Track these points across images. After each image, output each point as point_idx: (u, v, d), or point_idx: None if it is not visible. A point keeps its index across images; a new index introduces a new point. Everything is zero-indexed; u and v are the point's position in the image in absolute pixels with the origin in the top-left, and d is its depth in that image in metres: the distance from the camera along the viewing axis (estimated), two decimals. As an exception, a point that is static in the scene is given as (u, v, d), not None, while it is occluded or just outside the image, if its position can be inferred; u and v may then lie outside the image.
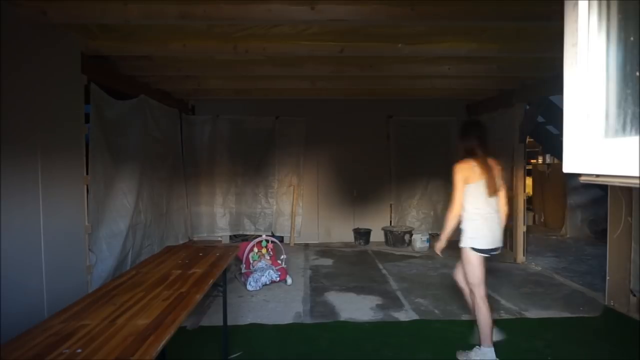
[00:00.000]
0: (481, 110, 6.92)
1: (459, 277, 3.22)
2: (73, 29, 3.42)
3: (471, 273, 2.98)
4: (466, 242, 2.94)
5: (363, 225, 7.34)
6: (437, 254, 3.11)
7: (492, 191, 2.93)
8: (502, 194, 3.03)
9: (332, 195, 7.39)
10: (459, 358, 3.13)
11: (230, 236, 7.30)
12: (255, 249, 5.02)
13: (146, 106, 5.18)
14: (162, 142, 5.69)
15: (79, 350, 1.48)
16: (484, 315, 2.95)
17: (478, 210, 2.92)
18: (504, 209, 3.06)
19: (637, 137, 0.77)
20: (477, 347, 3.05)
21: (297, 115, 7.17)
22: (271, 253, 5.12)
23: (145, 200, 5.10)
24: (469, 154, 2.97)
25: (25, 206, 2.90)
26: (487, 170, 2.93)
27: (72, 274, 3.47)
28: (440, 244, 3.06)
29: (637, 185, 0.80)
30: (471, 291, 3.04)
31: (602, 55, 0.87)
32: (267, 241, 5.12)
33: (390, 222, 7.42)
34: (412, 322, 3.81)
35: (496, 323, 3.17)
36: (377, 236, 7.26)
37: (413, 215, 7.43)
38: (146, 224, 5.09)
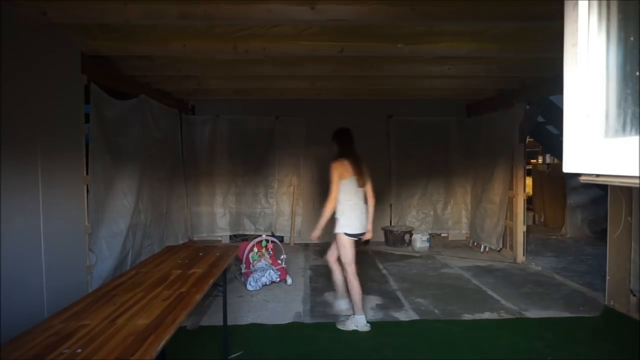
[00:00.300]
0: (481, 110, 6.92)
1: (331, 259, 3.74)
2: (73, 29, 3.41)
3: (344, 254, 3.55)
4: (340, 229, 3.52)
5: (363, 225, 7.33)
6: (314, 239, 3.59)
7: (361, 185, 3.53)
8: (368, 188, 3.61)
9: (332, 195, 7.38)
10: (339, 327, 3.64)
11: (230, 236, 7.30)
12: (255, 249, 5.02)
13: (146, 106, 5.18)
14: (162, 142, 5.69)
15: (79, 350, 1.48)
16: (355, 288, 3.56)
17: (350, 202, 3.51)
18: (371, 200, 3.62)
19: (637, 137, 0.77)
20: (352, 315, 3.63)
21: (297, 115, 7.17)
22: (271, 253, 5.12)
23: (145, 200, 5.10)
24: (341, 155, 3.54)
25: (26, 207, 2.90)
26: (358, 167, 3.51)
27: (72, 273, 3.47)
28: (317, 232, 3.53)
29: (637, 185, 0.80)
30: (344, 269, 3.61)
31: (602, 55, 0.87)
32: (267, 241, 5.12)
33: (390, 222, 7.41)
34: (412, 322, 3.81)
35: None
36: (377, 236, 7.22)
37: (413, 215, 7.43)
38: (146, 223, 5.09)
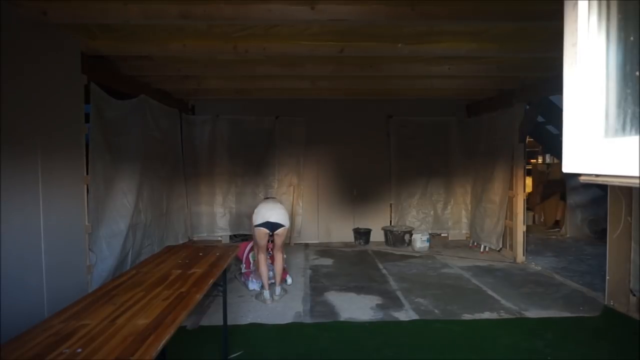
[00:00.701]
0: (481, 110, 6.92)
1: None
2: (73, 29, 3.41)
3: (254, 241, 4.60)
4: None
5: (363, 225, 7.34)
6: None
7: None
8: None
9: (332, 195, 7.39)
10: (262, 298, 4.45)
11: (230, 236, 7.30)
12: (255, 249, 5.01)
13: (146, 106, 5.18)
14: (162, 142, 5.69)
15: (79, 350, 1.48)
16: (262, 270, 4.45)
17: (258, 207, 4.57)
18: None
19: (637, 137, 0.77)
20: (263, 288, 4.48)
21: (297, 115, 7.17)
22: (271, 253, 5.11)
23: (145, 200, 5.10)
24: None
25: (26, 206, 2.90)
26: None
27: (72, 273, 3.46)
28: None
29: (637, 185, 0.80)
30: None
31: (602, 55, 0.86)
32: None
33: (390, 221, 7.41)
34: (412, 322, 3.81)
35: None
36: (377, 236, 7.26)
37: (413, 215, 7.43)
38: (146, 223, 5.09)
